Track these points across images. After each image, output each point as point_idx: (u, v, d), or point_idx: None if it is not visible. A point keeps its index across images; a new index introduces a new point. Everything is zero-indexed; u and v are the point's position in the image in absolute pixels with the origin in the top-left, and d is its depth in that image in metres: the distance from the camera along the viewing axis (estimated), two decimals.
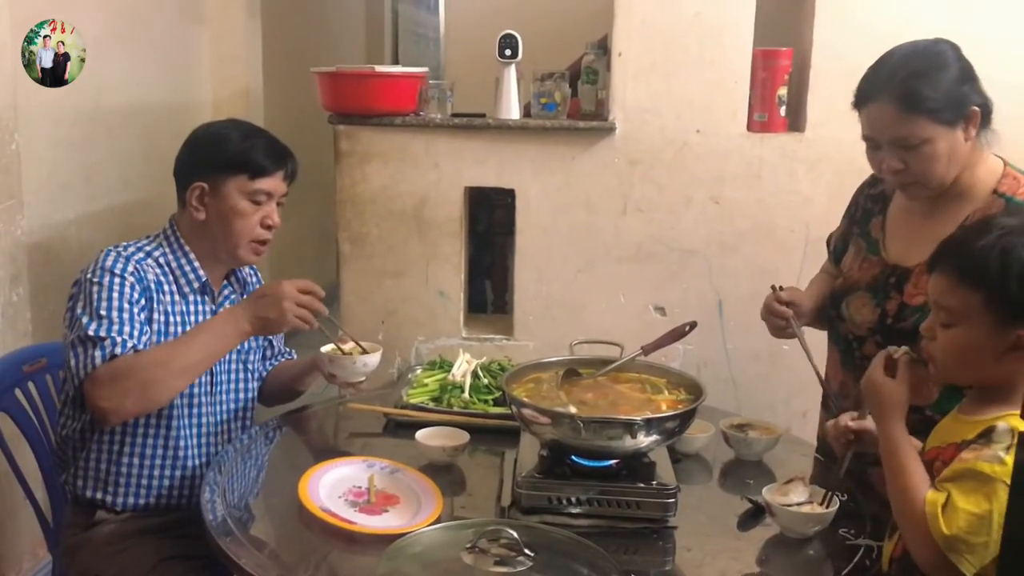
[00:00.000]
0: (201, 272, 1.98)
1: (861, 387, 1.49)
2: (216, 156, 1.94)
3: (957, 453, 1.34)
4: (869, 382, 1.46)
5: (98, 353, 1.75)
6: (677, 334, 1.96)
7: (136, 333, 1.81)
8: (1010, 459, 1.26)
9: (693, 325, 1.97)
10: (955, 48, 1.74)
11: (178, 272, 1.96)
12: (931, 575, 1.33)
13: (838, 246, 2.03)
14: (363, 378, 2.02)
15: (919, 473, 1.35)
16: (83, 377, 1.76)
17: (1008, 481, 1.24)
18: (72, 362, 1.79)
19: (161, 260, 1.95)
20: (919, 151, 1.70)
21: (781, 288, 1.96)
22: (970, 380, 1.42)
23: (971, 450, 1.31)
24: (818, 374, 1.93)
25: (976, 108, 1.70)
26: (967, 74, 1.72)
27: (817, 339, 2.00)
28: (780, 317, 1.94)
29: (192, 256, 1.97)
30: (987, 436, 1.31)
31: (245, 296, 2.08)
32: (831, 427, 1.62)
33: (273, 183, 1.96)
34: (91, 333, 1.77)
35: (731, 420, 1.98)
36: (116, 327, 1.79)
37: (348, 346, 2.03)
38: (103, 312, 1.80)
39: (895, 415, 1.41)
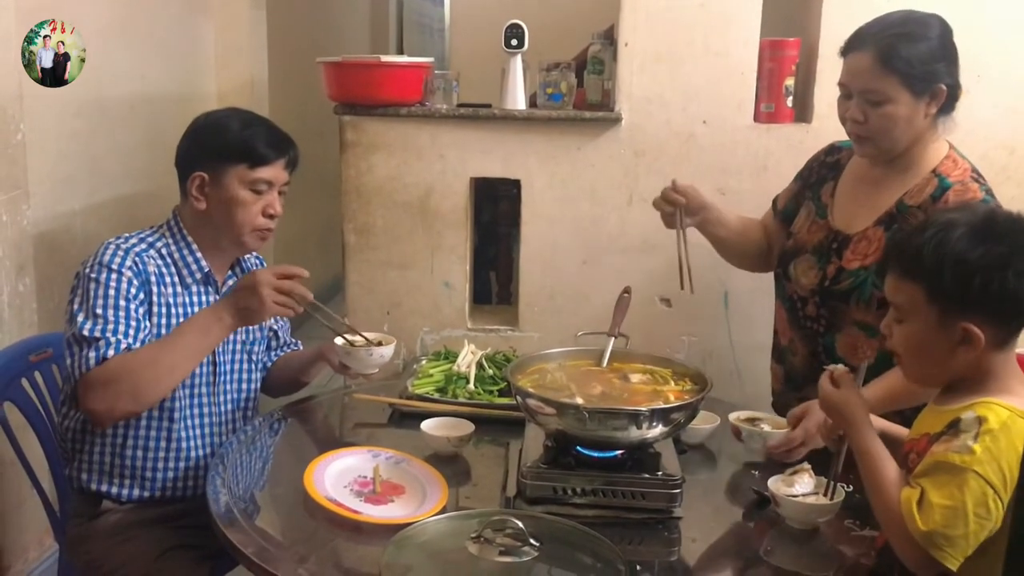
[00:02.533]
0: (204, 263, 1.97)
1: (820, 408, 1.54)
2: (216, 145, 1.93)
3: (928, 444, 1.35)
4: (826, 402, 1.50)
5: (92, 354, 1.76)
6: (624, 304, 2.02)
7: (131, 331, 1.81)
8: (979, 447, 1.27)
9: (627, 291, 2.04)
10: (945, 27, 1.85)
11: (180, 263, 1.95)
12: (918, 573, 1.33)
13: (788, 206, 2.14)
14: (376, 369, 2.02)
15: (892, 474, 1.37)
16: (77, 378, 1.78)
17: (978, 469, 1.26)
18: (68, 361, 1.81)
19: (163, 251, 1.95)
20: (882, 108, 1.82)
21: (677, 184, 2.08)
22: (935, 377, 1.42)
23: (941, 442, 1.32)
24: (684, 270, 2.06)
25: (944, 87, 1.81)
26: (947, 54, 1.84)
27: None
28: (672, 204, 2.06)
29: (195, 247, 1.97)
30: (955, 427, 1.32)
31: None
32: (821, 428, 1.64)
33: (274, 172, 1.95)
34: (85, 333, 1.78)
35: (739, 415, 1.94)
36: (111, 326, 1.79)
37: (356, 338, 2.02)
38: (98, 310, 1.80)
39: (861, 422, 1.44)
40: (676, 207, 2.06)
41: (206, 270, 1.98)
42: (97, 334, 1.78)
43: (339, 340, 2.01)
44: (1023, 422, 1.30)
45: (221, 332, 1.85)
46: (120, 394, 1.76)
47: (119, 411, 1.79)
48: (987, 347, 1.33)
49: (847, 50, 1.88)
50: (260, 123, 1.99)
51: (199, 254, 1.97)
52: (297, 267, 1.87)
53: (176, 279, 1.95)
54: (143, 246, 1.92)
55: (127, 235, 1.94)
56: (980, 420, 1.30)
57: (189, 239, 1.97)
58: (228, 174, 1.92)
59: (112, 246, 1.89)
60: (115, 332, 1.79)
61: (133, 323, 1.82)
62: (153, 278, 1.90)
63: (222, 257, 2.02)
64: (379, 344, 2.00)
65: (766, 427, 1.90)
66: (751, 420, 1.93)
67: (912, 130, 1.84)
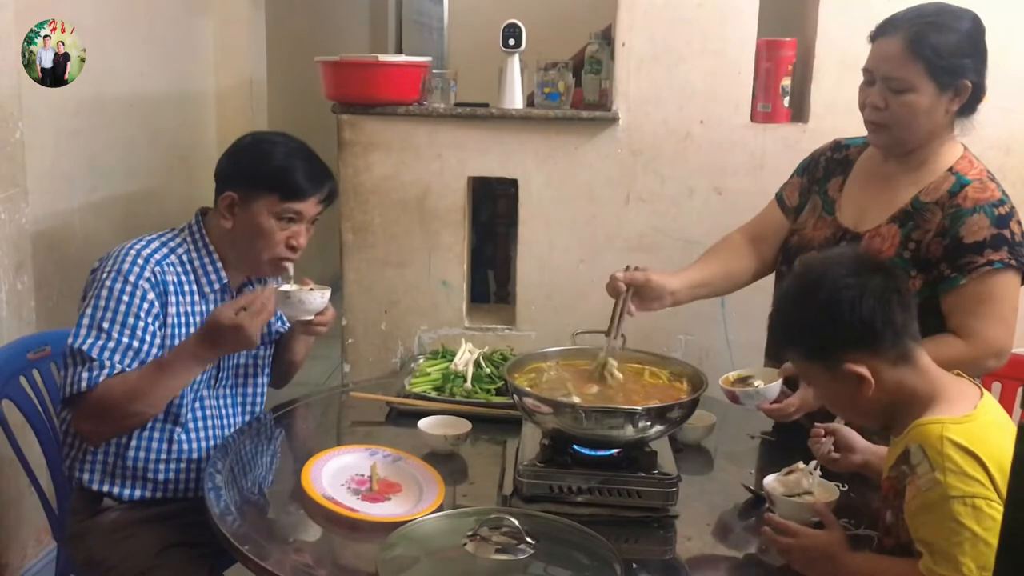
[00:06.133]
0: (223, 274, 1.96)
1: (796, 567, 1.47)
2: (253, 171, 1.92)
3: (891, 482, 1.35)
4: (799, 556, 1.45)
5: (85, 375, 1.77)
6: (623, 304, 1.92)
7: (130, 352, 1.81)
8: (940, 474, 1.25)
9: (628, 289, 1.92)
10: (978, 23, 1.83)
11: (200, 271, 1.95)
12: None
13: (800, 202, 2.08)
14: (311, 316, 1.95)
15: (896, 569, 1.34)
16: (67, 396, 1.79)
17: (954, 493, 1.24)
18: (62, 372, 1.82)
19: (184, 258, 1.93)
20: (903, 96, 1.79)
21: (635, 268, 1.96)
22: (868, 419, 1.43)
23: (910, 486, 1.30)
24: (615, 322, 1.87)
25: (969, 84, 1.78)
26: (976, 50, 1.81)
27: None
28: (615, 292, 1.91)
29: (216, 256, 1.96)
30: (907, 461, 1.31)
31: None
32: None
33: (305, 206, 1.93)
34: (84, 348, 1.78)
35: (728, 376, 1.88)
36: (111, 345, 1.79)
37: (294, 286, 1.95)
38: (104, 324, 1.80)
39: (840, 553, 1.41)
40: (619, 294, 1.91)
41: (224, 281, 1.97)
42: (94, 354, 1.78)
43: (283, 287, 1.94)
44: (954, 426, 1.29)
45: (206, 366, 1.87)
46: (105, 422, 1.81)
47: (105, 436, 1.86)
48: (889, 371, 1.34)
49: (876, 35, 1.84)
50: (301, 156, 1.95)
51: (219, 264, 1.96)
52: (265, 293, 1.82)
53: (194, 287, 1.94)
54: (164, 251, 1.91)
55: (149, 238, 1.92)
56: (922, 448, 1.28)
57: (211, 248, 1.95)
58: (258, 201, 1.90)
59: (132, 252, 1.87)
60: (112, 355, 1.79)
61: (135, 343, 1.82)
62: (172, 287, 1.89)
63: (240, 271, 2.01)
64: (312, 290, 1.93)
65: (759, 383, 1.84)
66: (742, 379, 1.88)
67: (931, 123, 1.81)
